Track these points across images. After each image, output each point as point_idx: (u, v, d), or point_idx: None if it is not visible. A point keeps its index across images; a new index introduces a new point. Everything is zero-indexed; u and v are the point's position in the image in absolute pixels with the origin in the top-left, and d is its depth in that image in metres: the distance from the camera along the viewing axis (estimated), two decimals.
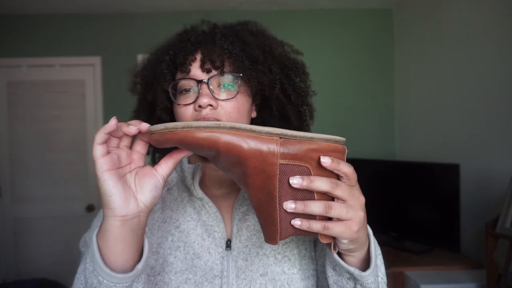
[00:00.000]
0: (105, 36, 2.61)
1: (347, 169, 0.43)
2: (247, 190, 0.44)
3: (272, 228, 0.43)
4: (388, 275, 1.67)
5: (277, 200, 0.42)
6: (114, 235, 0.43)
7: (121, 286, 0.44)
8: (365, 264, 0.49)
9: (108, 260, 0.44)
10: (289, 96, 0.63)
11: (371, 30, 2.67)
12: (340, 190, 0.42)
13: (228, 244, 0.61)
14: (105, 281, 0.43)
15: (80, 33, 2.60)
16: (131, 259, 0.45)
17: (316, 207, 0.41)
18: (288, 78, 0.63)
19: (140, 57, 2.59)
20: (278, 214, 0.42)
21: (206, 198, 0.62)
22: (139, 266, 0.46)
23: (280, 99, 0.62)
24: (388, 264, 1.71)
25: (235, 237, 0.61)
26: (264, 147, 0.41)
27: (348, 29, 2.66)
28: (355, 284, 0.49)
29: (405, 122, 2.54)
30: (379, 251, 0.57)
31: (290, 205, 0.42)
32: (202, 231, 0.61)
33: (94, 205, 2.61)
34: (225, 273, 0.58)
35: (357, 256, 0.48)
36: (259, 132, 0.41)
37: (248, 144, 0.41)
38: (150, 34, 2.59)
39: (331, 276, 0.51)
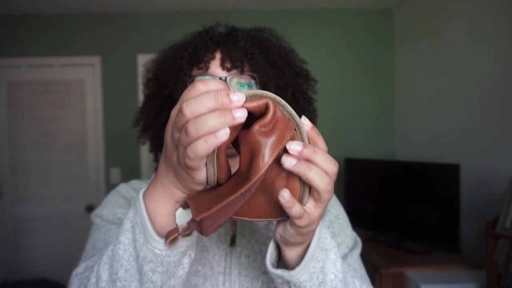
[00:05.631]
0: (105, 36, 2.61)
1: None
2: None
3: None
4: (388, 275, 1.67)
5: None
6: (174, 207, 0.42)
7: (178, 252, 0.42)
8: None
9: (165, 228, 0.42)
10: (298, 100, 0.66)
11: (371, 30, 2.66)
12: None
13: (233, 240, 0.61)
14: (163, 252, 0.41)
15: (80, 33, 2.60)
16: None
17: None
18: (298, 83, 0.66)
19: (140, 57, 2.59)
20: None
21: None
22: (195, 232, 0.43)
23: (290, 102, 0.65)
24: (388, 264, 1.71)
25: (239, 232, 0.62)
26: None
27: (348, 29, 2.66)
28: (289, 286, 0.44)
29: (405, 122, 2.54)
30: (332, 244, 0.46)
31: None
32: None
33: (94, 205, 2.61)
34: (227, 270, 0.59)
35: (298, 251, 0.43)
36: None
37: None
38: (150, 34, 2.59)
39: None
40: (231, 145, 0.38)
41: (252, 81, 0.61)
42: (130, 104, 2.60)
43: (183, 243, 0.43)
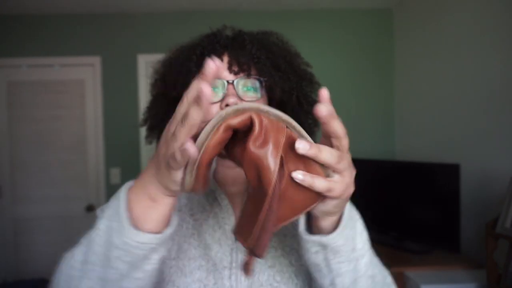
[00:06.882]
0: (105, 36, 2.61)
1: None
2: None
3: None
4: None
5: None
6: (163, 207, 0.44)
7: (147, 247, 0.44)
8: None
9: (138, 221, 0.44)
10: (302, 104, 0.68)
11: (371, 30, 2.67)
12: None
13: None
14: (132, 243, 0.43)
15: (80, 33, 2.60)
16: (160, 227, 0.45)
17: (329, 154, 0.38)
18: (302, 87, 0.68)
19: (140, 57, 2.60)
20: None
21: (218, 190, 0.65)
22: (168, 231, 0.46)
23: (294, 106, 0.67)
24: (388, 264, 1.71)
25: None
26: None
27: (348, 29, 2.66)
28: (325, 253, 0.47)
29: (405, 122, 2.54)
30: (357, 216, 0.53)
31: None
32: (213, 223, 0.64)
33: (94, 205, 2.60)
34: (234, 264, 0.60)
35: (333, 220, 0.46)
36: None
37: None
38: (150, 34, 2.59)
39: (306, 258, 0.50)
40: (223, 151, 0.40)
41: (258, 84, 0.62)
42: (130, 104, 2.60)
43: (152, 240, 0.44)
